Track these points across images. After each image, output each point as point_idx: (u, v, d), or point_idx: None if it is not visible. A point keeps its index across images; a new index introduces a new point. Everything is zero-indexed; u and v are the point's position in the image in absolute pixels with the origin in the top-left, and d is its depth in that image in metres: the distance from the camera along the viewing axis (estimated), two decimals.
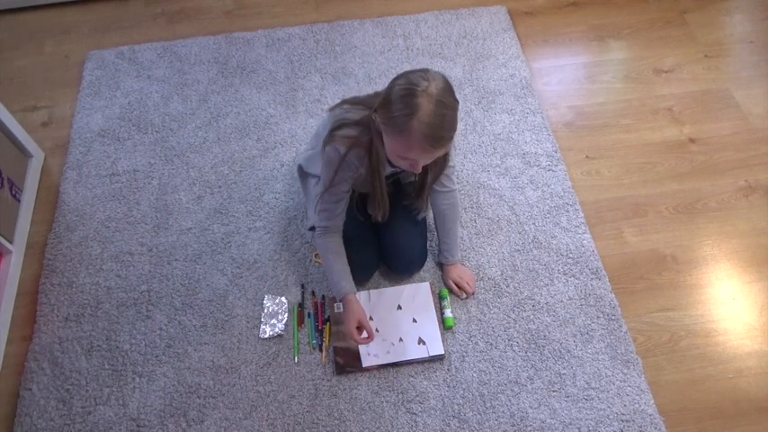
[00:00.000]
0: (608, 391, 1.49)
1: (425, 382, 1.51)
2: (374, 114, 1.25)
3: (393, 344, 1.55)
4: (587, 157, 1.94)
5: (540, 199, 1.82)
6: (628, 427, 1.45)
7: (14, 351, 1.58)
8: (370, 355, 1.53)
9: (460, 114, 1.98)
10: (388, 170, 1.44)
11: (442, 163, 1.45)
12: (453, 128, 1.22)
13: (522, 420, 1.46)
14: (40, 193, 1.87)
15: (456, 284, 1.63)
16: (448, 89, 1.19)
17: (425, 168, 1.39)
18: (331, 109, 1.45)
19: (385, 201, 1.45)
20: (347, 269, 1.51)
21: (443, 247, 1.65)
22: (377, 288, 1.65)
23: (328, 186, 1.41)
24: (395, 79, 1.22)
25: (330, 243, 1.51)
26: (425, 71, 1.19)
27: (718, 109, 2.05)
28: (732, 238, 1.76)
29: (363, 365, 1.52)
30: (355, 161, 1.36)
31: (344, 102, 1.42)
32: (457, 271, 1.64)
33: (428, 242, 1.70)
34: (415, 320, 1.59)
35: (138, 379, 1.52)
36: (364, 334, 1.47)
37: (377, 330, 1.57)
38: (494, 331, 1.59)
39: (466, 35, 2.25)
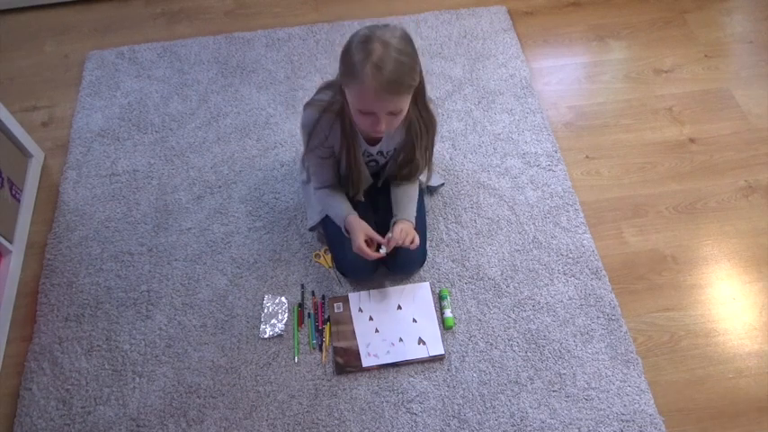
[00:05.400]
0: (608, 391, 1.49)
1: (425, 382, 1.51)
2: (338, 75, 1.27)
3: (393, 344, 1.55)
4: (587, 157, 1.94)
5: (540, 199, 1.82)
6: (628, 427, 1.45)
7: (14, 351, 1.58)
8: (371, 355, 1.53)
9: (461, 114, 2.01)
10: (365, 147, 1.48)
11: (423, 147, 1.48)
12: (411, 77, 1.23)
13: (522, 420, 1.46)
14: (40, 193, 1.87)
15: (397, 237, 1.50)
16: (406, 39, 1.22)
17: (406, 150, 1.46)
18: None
19: (360, 177, 1.50)
20: (343, 198, 1.57)
21: (398, 204, 1.57)
22: (377, 288, 1.65)
23: (306, 151, 1.48)
24: (355, 32, 1.24)
25: (325, 192, 1.58)
26: (385, 24, 1.22)
27: (718, 109, 2.05)
28: (732, 238, 1.76)
29: (363, 365, 1.52)
30: (325, 127, 1.40)
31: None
32: (405, 225, 1.53)
33: (428, 242, 1.70)
34: (415, 320, 1.59)
35: (138, 379, 1.52)
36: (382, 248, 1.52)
37: (377, 331, 1.57)
38: (494, 331, 1.59)
39: (466, 35, 2.25)
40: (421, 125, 1.43)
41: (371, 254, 1.49)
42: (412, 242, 1.51)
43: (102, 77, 2.14)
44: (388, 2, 2.37)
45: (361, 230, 1.50)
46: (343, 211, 1.54)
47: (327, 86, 1.40)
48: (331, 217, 1.60)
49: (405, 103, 1.28)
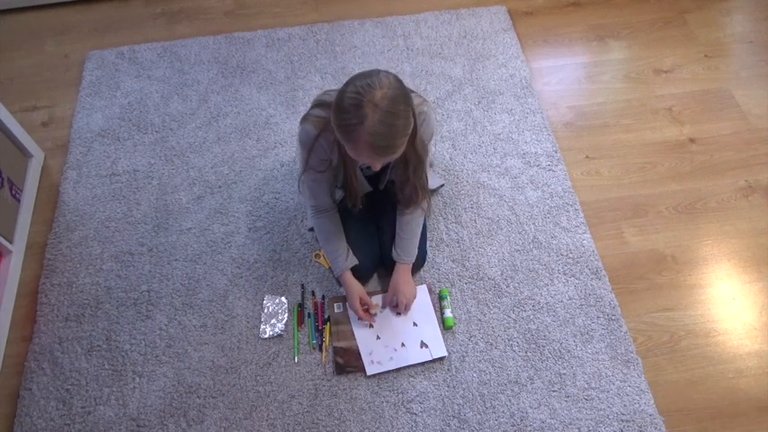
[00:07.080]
0: (608, 391, 1.49)
1: (425, 382, 1.51)
2: (331, 118, 1.23)
3: (395, 349, 1.55)
4: (587, 157, 1.94)
5: (540, 199, 1.82)
6: (628, 427, 1.45)
7: (14, 351, 1.58)
8: (374, 362, 1.53)
9: (461, 114, 2.01)
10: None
11: (419, 175, 1.45)
12: (404, 134, 1.21)
13: (522, 420, 1.46)
14: (40, 193, 1.87)
15: (394, 295, 1.57)
16: (397, 96, 1.17)
17: (405, 174, 1.43)
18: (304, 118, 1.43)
19: (356, 190, 1.49)
20: (342, 246, 1.56)
21: (399, 243, 1.58)
22: (374, 294, 1.65)
23: (305, 167, 1.44)
24: (346, 84, 1.20)
25: (323, 223, 1.57)
26: (375, 76, 1.17)
27: (718, 109, 2.05)
28: (732, 238, 1.76)
29: (368, 374, 1.51)
30: (325, 145, 1.38)
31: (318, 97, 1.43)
32: (405, 284, 1.57)
33: (428, 242, 1.70)
34: (415, 324, 1.59)
35: (138, 379, 1.52)
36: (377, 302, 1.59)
37: (378, 338, 1.57)
38: (494, 331, 1.59)
39: (466, 35, 2.25)
40: (411, 155, 1.37)
41: (365, 315, 1.56)
42: (400, 306, 1.58)
43: (102, 77, 2.14)
44: (387, 2, 2.37)
45: (356, 292, 1.56)
46: (339, 267, 1.56)
47: (324, 105, 1.35)
48: (326, 255, 1.62)
49: (400, 153, 1.25)
